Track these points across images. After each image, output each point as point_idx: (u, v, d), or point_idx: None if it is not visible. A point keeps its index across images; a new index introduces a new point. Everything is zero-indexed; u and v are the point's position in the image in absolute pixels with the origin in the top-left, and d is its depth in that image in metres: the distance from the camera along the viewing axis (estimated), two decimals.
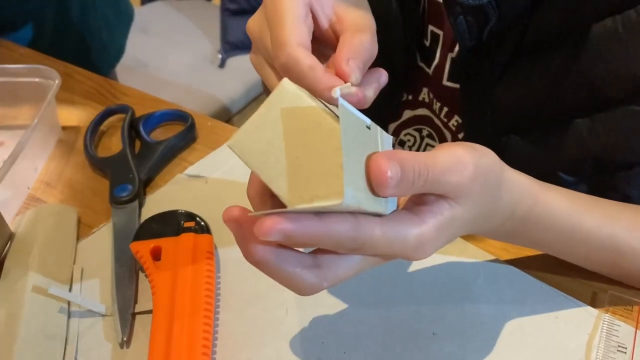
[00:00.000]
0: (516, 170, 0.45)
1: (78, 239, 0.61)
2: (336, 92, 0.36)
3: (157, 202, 0.64)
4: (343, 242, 0.35)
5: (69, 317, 0.54)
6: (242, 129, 0.34)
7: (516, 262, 0.55)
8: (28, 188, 0.66)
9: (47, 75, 0.71)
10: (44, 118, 0.67)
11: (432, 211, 0.38)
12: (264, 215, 0.33)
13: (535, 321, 0.51)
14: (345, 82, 0.38)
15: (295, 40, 0.39)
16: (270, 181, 0.33)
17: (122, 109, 0.74)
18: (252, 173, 0.37)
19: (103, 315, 0.54)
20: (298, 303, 0.53)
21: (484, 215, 0.41)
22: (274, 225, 0.32)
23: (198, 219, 0.59)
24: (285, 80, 0.35)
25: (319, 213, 0.34)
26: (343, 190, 0.32)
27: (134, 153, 0.69)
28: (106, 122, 0.74)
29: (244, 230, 0.35)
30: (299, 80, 0.38)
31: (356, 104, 0.38)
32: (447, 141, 0.64)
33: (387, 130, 0.68)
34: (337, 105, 0.34)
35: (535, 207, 0.45)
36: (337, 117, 0.34)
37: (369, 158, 0.35)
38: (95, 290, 0.56)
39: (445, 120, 0.63)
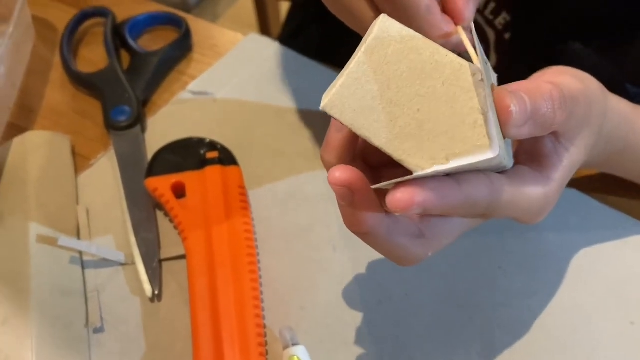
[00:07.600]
0: (616, 96, 0.39)
1: (76, 172, 0.52)
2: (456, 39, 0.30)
3: (161, 127, 0.55)
4: (477, 209, 0.29)
5: (83, 268, 0.47)
6: (337, 85, 0.28)
7: (576, 184, 0.50)
8: (9, 108, 0.55)
9: None
10: (20, 19, 0.56)
11: (554, 165, 0.33)
12: (393, 185, 0.27)
13: (604, 249, 0.47)
14: (458, 24, 0.31)
15: None
16: (386, 144, 0.27)
17: (100, 12, 0.63)
18: (329, 130, 0.31)
19: (123, 265, 0.47)
20: (346, 239, 0.48)
21: (588, 153, 0.36)
22: (413, 198, 0.26)
23: (221, 147, 0.51)
24: (384, 17, 0.28)
25: (452, 175, 0.28)
26: (488, 142, 0.26)
27: (122, 67, 0.59)
28: (81, 29, 0.63)
29: (356, 197, 0.28)
30: (408, 21, 0.30)
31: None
32: (489, 41, 0.57)
33: None
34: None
35: (631, 135, 0.40)
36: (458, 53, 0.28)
37: (495, 94, 0.29)
38: (108, 235, 0.49)
39: (491, 17, 0.56)
